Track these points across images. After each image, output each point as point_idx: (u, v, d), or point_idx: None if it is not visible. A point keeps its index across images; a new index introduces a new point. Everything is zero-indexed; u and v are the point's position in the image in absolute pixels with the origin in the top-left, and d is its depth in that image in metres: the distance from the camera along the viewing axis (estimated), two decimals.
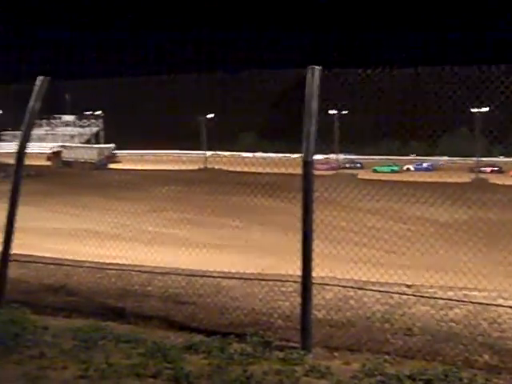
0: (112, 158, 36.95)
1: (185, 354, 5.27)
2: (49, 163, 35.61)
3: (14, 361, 5.16)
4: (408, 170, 35.75)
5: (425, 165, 35.36)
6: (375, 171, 34.21)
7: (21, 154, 7.05)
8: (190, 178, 24.71)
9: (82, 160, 37.19)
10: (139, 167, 30.43)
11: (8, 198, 7.09)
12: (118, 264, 8.77)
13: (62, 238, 12.06)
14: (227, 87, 9.25)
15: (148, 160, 31.58)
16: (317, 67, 5.77)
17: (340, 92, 6.69)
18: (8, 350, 5.35)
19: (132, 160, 33.51)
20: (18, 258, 7.59)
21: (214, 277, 7.85)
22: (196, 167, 31.48)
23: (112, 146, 38.96)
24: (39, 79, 7.10)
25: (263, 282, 7.43)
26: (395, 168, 35.15)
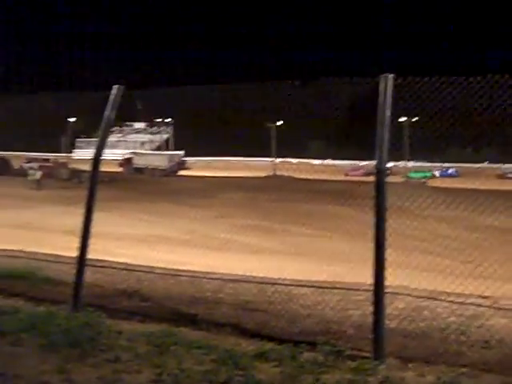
0: (182, 165, 37.60)
1: (256, 362, 5.26)
2: (121, 169, 36.53)
3: (90, 364, 5.27)
4: (433, 176, 36.09)
5: (450, 171, 36.58)
6: (409, 177, 34.28)
7: (97, 160, 7.22)
8: (258, 185, 24.86)
9: (153, 166, 37.92)
10: (208, 174, 30.82)
11: (83, 203, 7.28)
12: (189, 270, 8.87)
13: (134, 243, 12.30)
14: (296, 95, 9.27)
15: (217, 167, 32.02)
16: (390, 75, 5.70)
17: (410, 99, 6.61)
18: (84, 354, 5.46)
19: (201, 167, 33.97)
20: (92, 263, 7.78)
21: (285, 284, 7.84)
22: (265, 174, 31.67)
23: (182, 152, 39.65)
24: (114, 88, 7.26)
25: (335, 290, 7.37)
26: (428, 174, 35.51)
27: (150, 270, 8.61)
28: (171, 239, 12.69)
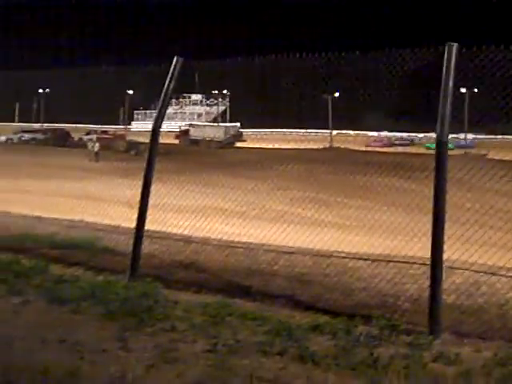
0: (238, 137, 37.66)
1: (310, 334, 5.27)
2: (177, 141, 36.82)
3: (147, 333, 5.37)
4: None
5: (463, 142, 35.44)
6: (428, 148, 34.19)
7: (155, 131, 7.27)
8: (314, 157, 24.70)
9: (209, 138, 38.09)
10: (264, 146, 30.77)
11: (139, 175, 7.37)
12: (245, 242, 8.89)
13: (189, 214, 12.34)
14: (353, 66, 9.11)
15: (273, 139, 31.89)
16: (454, 44, 5.53)
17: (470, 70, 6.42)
18: (141, 322, 5.57)
19: (257, 139, 33.93)
20: (150, 234, 7.89)
21: (340, 257, 7.80)
22: (321, 146, 31.44)
23: (238, 124, 39.70)
24: (175, 60, 7.27)
25: (391, 264, 7.27)
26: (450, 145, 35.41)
27: (205, 242, 8.67)
28: (227, 211, 12.72)
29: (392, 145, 37.69)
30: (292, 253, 8.09)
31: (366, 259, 7.79)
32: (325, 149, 32.11)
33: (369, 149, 34.08)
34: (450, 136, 5.56)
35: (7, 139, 43.12)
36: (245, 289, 6.73)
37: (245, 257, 8.00)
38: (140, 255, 7.14)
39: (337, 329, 5.34)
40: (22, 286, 6.66)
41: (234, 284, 6.97)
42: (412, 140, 39.21)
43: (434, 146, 5.63)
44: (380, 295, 6.34)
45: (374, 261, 7.53)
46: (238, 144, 36.42)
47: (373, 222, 11.71)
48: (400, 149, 35.54)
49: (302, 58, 8.47)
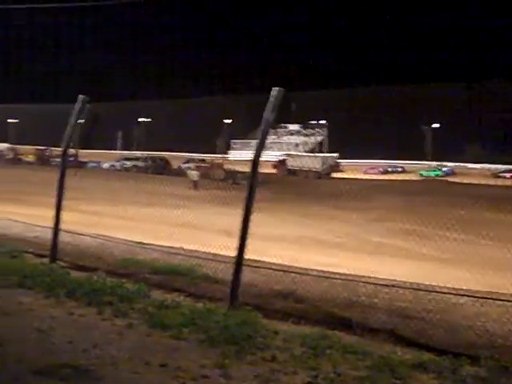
0: (335, 167, 37.56)
1: (414, 372, 5.12)
2: (274, 171, 37.08)
3: (248, 361, 5.38)
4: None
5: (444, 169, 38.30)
6: (421, 175, 37.22)
7: (256, 161, 7.35)
8: (413, 188, 24.28)
9: (307, 168, 38.12)
10: (362, 176, 30.54)
11: (237, 204, 7.44)
12: (343, 273, 8.79)
13: (287, 244, 12.39)
14: (457, 98, 8.93)
15: (410, 171, 31.69)
16: None
17: None
18: (242, 351, 5.58)
19: (355, 169, 33.71)
20: (249, 263, 7.93)
21: (442, 292, 7.56)
22: (419, 178, 30.88)
23: (335, 155, 39.61)
24: (274, 90, 7.34)
25: (497, 302, 6.99)
26: (438, 173, 38.06)
27: (304, 272, 8.62)
28: (324, 241, 12.66)
29: (386, 172, 40.02)
30: (392, 286, 7.93)
31: (469, 296, 7.52)
32: (423, 180, 31.56)
33: (392, 177, 34.53)
34: None
35: (110, 166, 44.86)
36: (344, 321, 6.64)
37: (344, 288, 7.90)
38: (239, 284, 7.19)
39: (442, 367, 5.16)
40: (126, 310, 6.85)
41: (333, 316, 6.89)
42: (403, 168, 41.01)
43: (429, 173, 5.44)
44: (487, 335, 6.09)
45: (479, 298, 7.26)
46: (336, 174, 36.29)
47: (475, 257, 11.32)
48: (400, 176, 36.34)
49: (402, 89, 8.38)
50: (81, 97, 9.61)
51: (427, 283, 8.19)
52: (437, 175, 37.93)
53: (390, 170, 40.27)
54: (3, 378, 4.86)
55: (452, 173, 37.47)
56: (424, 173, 38.45)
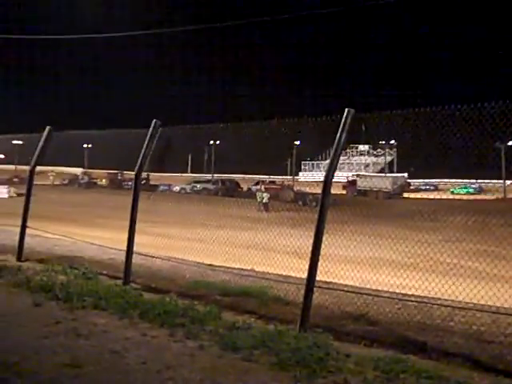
0: (406, 187, 37.09)
1: None
2: (344, 192, 36.88)
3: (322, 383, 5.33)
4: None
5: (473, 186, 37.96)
6: (453, 193, 37.68)
7: (327, 183, 7.31)
8: (486, 208, 23.61)
9: (376, 189, 37.75)
10: (433, 196, 29.95)
11: (307, 225, 7.40)
12: (416, 295, 8.61)
13: (358, 265, 12.22)
14: None
15: (442, 189, 31.06)
16: None
17: None
18: (313, 374, 5.53)
19: (425, 189, 33.10)
20: (319, 285, 7.86)
21: None
22: (493, 197, 30.04)
23: (405, 174, 39.09)
24: (346, 112, 7.32)
25: None
26: (470, 190, 38.31)
27: (376, 294, 8.48)
28: (395, 262, 12.39)
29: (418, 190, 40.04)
30: (468, 309, 7.69)
31: None
32: (497, 199, 30.69)
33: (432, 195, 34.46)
34: None
35: (181, 189, 45.59)
36: (419, 345, 6.49)
37: (417, 311, 7.73)
38: (310, 306, 7.14)
39: None
40: (198, 331, 6.89)
41: (406, 339, 6.75)
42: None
43: (459, 190, 5.23)
44: None
45: None
46: (406, 194, 35.78)
47: None
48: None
49: (475, 108, 8.17)
50: (154, 121, 9.83)
51: (506, 306, 7.92)
52: (468, 192, 38.03)
53: (422, 188, 40.10)
54: None
55: (481, 190, 37.11)
56: (455, 190, 38.88)
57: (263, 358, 6.05)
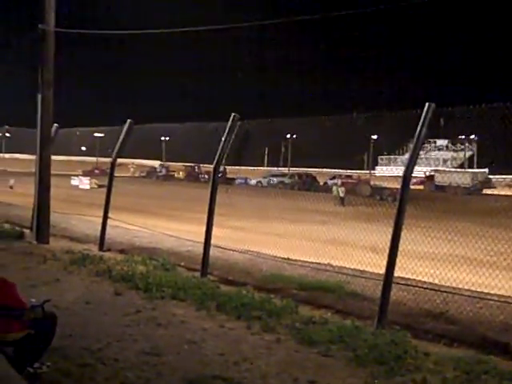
0: (486, 183, 36.03)
1: None
2: (421, 187, 36.16)
3: (397, 382, 5.26)
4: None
5: None
6: None
7: (407, 178, 7.19)
8: None
9: (455, 184, 36.84)
10: None
11: (384, 220, 7.29)
12: (498, 295, 8.36)
13: (436, 262, 11.95)
14: None
15: None
16: None
17: None
18: (391, 372, 5.47)
19: (507, 185, 32.07)
20: (397, 281, 7.75)
21: None
22: None
23: (486, 170, 37.99)
24: (426, 106, 7.17)
25: None
26: None
27: (456, 292, 8.28)
28: (475, 260, 12.08)
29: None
30: None
31: None
32: None
33: None
34: None
35: (257, 182, 45.79)
36: (501, 346, 6.30)
37: (500, 311, 7.50)
38: (388, 302, 7.05)
39: None
40: (274, 325, 6.92)
41: (488, 339, 6.56)
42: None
43: None
44: None
45: None
46: (487, 191, 34.77)
47: None
48: None
49: None
50: (232, 115, 9.89)
51: None
52: None
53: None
54: None
55: None
56: None
57: (340, 353, 6.03)
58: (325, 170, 46.14)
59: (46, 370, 5.19)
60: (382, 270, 7.24)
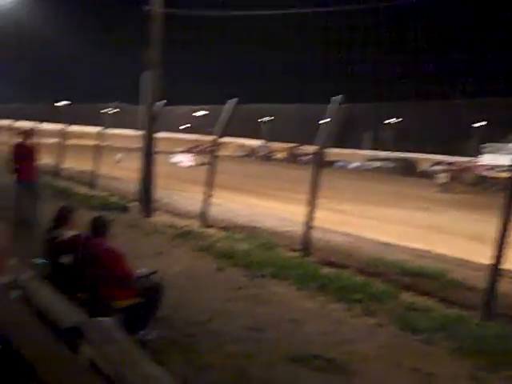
0: None
1: None
2: None
3: (503, 376, 5.14)
4: None
5: None
6: None
7: None
8: None
9: None
10: None
11: (489, 210, 7.04)
12: None
13: None
14: None
15: None
16: None
17: None
18: (497, 364, 5.34)
19: None
20: (505, 273, 7.49)
21: None
22: None
23: None
24: None
25: None
26: None
27: None
28: None
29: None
30: None
31: None
32: None
33: None
34: None
35: (357, 166, 45.43)
36: None
37: None
38: (495, 294, 6.83)
39: None
40: (375, 309, 6.88)
41: None
42: None
43: None
44: None
45: None
46: None
47: None
48: None
49: None
50: (336, 97, 9.79)
51: None
52: None
53: None
54: (260, 361, 5.16)
55: None
56: None
57: (443, 342, 5.92)
58: (427, 155, 45.08)
59: (153, 338, 5.39)
60: (488, 261, 7.01)
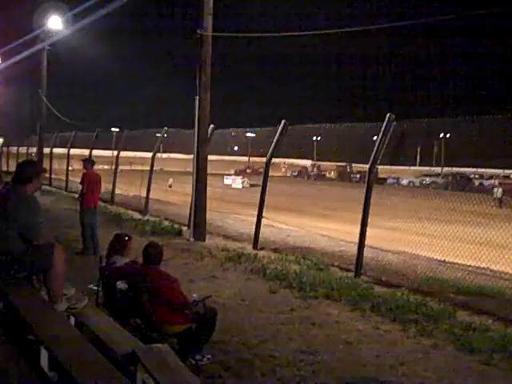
0: None
1: None
2: None
3: None
4: None
5: None
6: None
7: None
8: None
9: None
10: None
11: None
12: None
13: None
14: None
15: None
16: None
17: None
18: None
19: None
20: None
21: None
22: None
23: None
24: None
25: None
26: None
27: None
28: None
29: None
30: None
31: None
32: None
33: None
34: None
35: (409, 182, 44.90)
36: None
37: None
38: None
39: None
40: (431, 329, 6.74)
41: None
42: None
43: None
44: None
45: None
46: None
47: None
48: None
49: None
50: (388, 115, 9.69)
51: None
52: None
53: None
54: None
55: None
56: None
57: (503, 363, 5.76)
58: (481, 170, 44.26)
59: (207, 363, 5.40)
60: None
